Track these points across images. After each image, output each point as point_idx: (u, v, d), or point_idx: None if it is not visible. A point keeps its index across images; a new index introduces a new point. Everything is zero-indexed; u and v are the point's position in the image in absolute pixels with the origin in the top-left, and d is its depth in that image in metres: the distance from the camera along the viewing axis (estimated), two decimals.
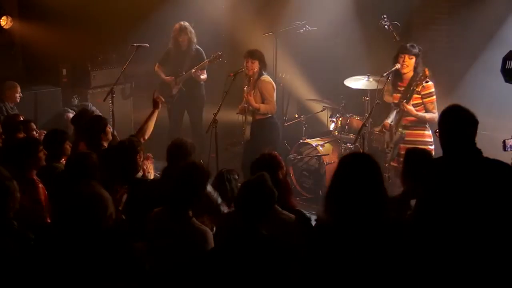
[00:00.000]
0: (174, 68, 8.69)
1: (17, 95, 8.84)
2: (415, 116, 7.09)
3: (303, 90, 9.62)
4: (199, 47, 8.78)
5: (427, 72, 6.96)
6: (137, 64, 8.84)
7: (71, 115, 8.76)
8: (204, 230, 4.32)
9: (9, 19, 10.10)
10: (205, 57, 8.71)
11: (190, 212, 4.37)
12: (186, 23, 8.72)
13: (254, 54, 7.76)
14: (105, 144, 6.32)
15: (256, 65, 7.72)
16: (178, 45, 8.70)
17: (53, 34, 10.13)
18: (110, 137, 6.43)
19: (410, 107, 7.06)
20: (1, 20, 10.02)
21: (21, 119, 7.23)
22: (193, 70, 8.53)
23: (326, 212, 3.52)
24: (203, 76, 8.76)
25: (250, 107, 7.78)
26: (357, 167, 3.49)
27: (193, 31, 8.73)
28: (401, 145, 7.13)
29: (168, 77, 8.82)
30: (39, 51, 10.20)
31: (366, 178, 3.44)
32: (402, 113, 7.17)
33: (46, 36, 10.18)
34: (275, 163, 4.88)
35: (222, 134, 7.48)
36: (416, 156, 5.02)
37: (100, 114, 7.55)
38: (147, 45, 8.49)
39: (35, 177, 5.46)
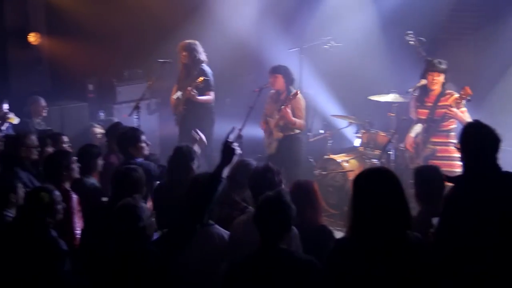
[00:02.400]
0: (179, 87, 8.70)
1: (42, 109, 8.98)
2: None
3: (328, 105, 9.66)
4: (204, 68, 8.52)
5: (468, 91, 6.84)
6: (163, 79, 8.91)
7: (97, 129, 8.87)
8: (224, 235, 4.39)
9: (38, 35, 10.31)
10: (209, 78, 8.49)
11: (210, 220, 4.45)
12: (190, 41, 8.57)
13: (277, 69, 7.83)
14: (138, 154, 6.36)
15: (279, 80, 7.77)
16: (182, 63, 8.64)
17: (80, 50, 10.32)
18: (145, 150, 6.41)
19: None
20: (29, 36, 10.22)
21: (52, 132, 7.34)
22: (188, 89, 8.37)
23: (347, 228, 3.56)
24: (203, 97, 8.46)
25: (281, 122, 7.78)
26: (374, 182, 3.49)
27: (199, 49, 8.52)
28: (430, 162, 7.11)
29: (172, 97, 8.79)
30: (66, 66, 10.39)
31: (383, 193, 3.44)
32: (432, 130, 7.16)
33: (73, 52, 10.37)
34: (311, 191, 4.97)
35: (247, 149, 7.53)
36: (426, 174, 5.00)
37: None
38: (171, 60, 8.55)
39: (68, 188, 5.59)
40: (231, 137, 3.92)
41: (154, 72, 8.59)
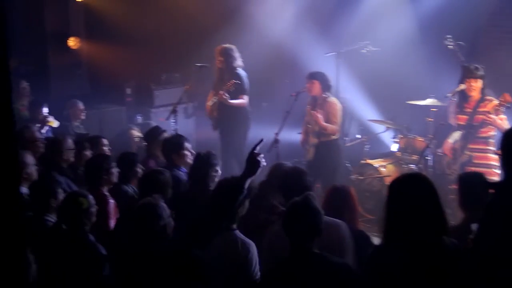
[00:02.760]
0: (215, 92, 8.69)
1: (80, 112, 9.10)
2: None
3: (365, 110, 9.61)
4: (238, 72, 8.49)
5: (508, 98, 6.76)
6: (200, 83, 8.97)
7: (135, 132, 8.95)
8: (248, 242, 4.41)
9: (77, 39, 10.47)
10: (243, 82, 8.46)
11: (234, 225, 4.48)
12: (227, 45, 8.56)
13: (314, 75, 7.80)
14: (181, 162, 6.36)
15: (316, 86, 7.75)
16: (218, 68, 8.62)
17: (118, 54, 10.46)
18: (188, 159, 6.36)
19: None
20: (69, 41, 10.37)
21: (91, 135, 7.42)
22: (220, 93, 8.35)
23: (383, 234, 3.55)
24: (236, 101, 8.42)
25: (316, 128, 7.78)
26: (409, 188, 3.48)
27: (235, 54, 8.50)
28: (468, 168, 7.03)
29: (208, 103, 8.79)
30: (105, 70, 10.54)
31: (418, 199, 3.42)
32: (470, 136, 7.08)
33: (112, 56, 10.51)
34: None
35: (284, 154, 7.55)
36: (469, 180, 4.93)
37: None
38: (208, 64, 8.59)
39: (106, 193, 5.64)
40: (258, 148, 3.91)
41: (191, 76, 8.65)
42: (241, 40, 9.13)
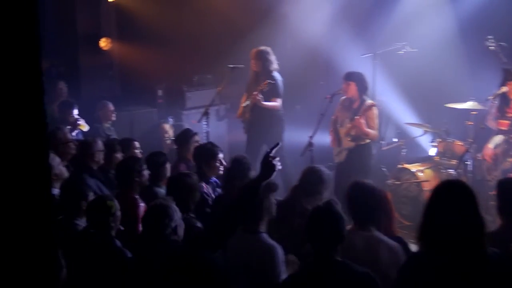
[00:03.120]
0: (248, 95, 8.69)
1: (111, 114, 9.17)
2: None
3: (402, 113, 9.53)
4: (275, 75, 8.46)
5: None
6: (233, 85, 8.98)
7: (167, 126, 8.99)
8: (272, 245, 4.40)
9: (109, 40, 10.56)
10: (277, 85, 8.43)
11: (262, 227, 4.47)
12: (263, 48, 8.52)
13: (350, 76, 7.73)
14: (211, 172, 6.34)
15: (352, 88, 7.69)
16: (253, 71, 8.63)
17: (150, 55, 10.53)
18: (218, 170, 6.33)
19: None
20: (101, 42, 10.47)
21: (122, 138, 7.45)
22: (253, 94, 8.32)
23: (420, 242, 3.53)
24: (269, 103, 8.40)
25: (353, 132, 7.72)
26: (449, 196, 3.46)
27: (270, 57, 8.48)
28: (510, 175, 6.92)
29: (241, 105, 8.79)
30: (136, 72, 10.60)
31: (457, 207, 3.41)
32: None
33: (143, 57, 10.58)
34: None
35: (318, 157, 7.50)
36: (509, 186, 4.84)
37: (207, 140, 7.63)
38: (242, 66, 8.60)
39: (136, 196, 5.66)
40: (273, 152, 3.90)
41: (224, 77, 8.66)
42: (275, 41, 9.13)
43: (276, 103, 8.50)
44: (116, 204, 4.75)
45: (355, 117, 7.59)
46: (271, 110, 8.47)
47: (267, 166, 3.87)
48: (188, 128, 7.83)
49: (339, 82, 7.88)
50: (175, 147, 7.51)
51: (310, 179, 5.37)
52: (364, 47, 9.27)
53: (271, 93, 8.40)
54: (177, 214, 4.28)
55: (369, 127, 7.65)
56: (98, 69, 10.79)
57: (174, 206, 4.33)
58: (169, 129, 9.13)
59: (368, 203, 4.54)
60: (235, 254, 4.42)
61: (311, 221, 3.87)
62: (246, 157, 5.88)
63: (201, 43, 10.94)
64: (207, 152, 6.36)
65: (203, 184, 6.05)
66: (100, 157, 6.61)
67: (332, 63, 9.85)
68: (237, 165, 5.76)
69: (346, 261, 3.77)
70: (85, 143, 6.77)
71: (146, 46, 10.60)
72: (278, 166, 3.92)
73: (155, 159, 6.19)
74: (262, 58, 8.46)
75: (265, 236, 4.48)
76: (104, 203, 4.72)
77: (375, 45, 9.19)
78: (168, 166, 6.25)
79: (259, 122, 8.52)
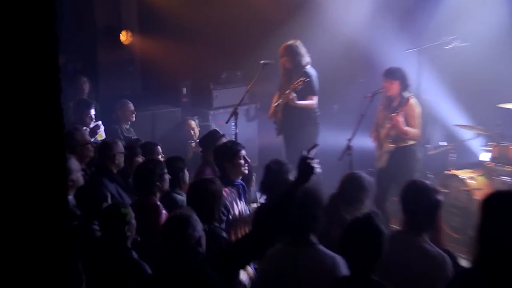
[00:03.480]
0: (281, 94, 8.63)
1: (131, 114, 9.22)
2: None
3: (451, 114, 9.45)
4: (307, 70, 8.43)
5: None
6: (264, 82, 8.97)
7: (193, 122, 9.01)
8: (331, 256, 4.39)
9: (129, 34, 10.60)
10: (311, 81, 8.39)
11: (314, 238, 4.47)
12: (292, 42, 8.50)
13: (394, 74, 7.72)
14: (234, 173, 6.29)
15: (396, 86, 7.69)
16: (284, 68, 8.61)
17: (173, 50, 10.56)
18: (243, 168, 6.30)
19: None
20: (121, 35, 10.50)
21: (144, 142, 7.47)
22: (286, 93, 8.30)
23: (472, 257, 3.52)
24: (304, 102, 8.37)
25: (392, 132, 7.71)
26: (504, 206, 3.45)
27: (301, 51, 8.45)
28: None
29: (273, 105, 8.76)
30: (159, 68, 10.64)
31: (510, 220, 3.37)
32: None
33: (167, 52, 10.62)
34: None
35: (358, 162, 7.50)
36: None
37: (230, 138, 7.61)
38: (273, 61, 8.57)
39: (158, 203, 5.69)
40: (312, 154, 3.88)
41: (254, 74, 8.65)
42: (310, 34, 9.10)
43: (312, 101, 8.47)
44: (131, 212, 4.77)
45: (392, 114, 7.58)
46: (305, 109, 8.45)
47: (305, 169, 3.86)
48: (215, 129, 7.83)
49: (380, 79, 7.86)
50: (200, 150, 7.52)
51: (350, 187, 5.35)
52: (408, 42, 9.22)
53: (306, 91, 8.37)
54: (200, 224, 4.26)
55: (410, 125, 7.64)
56: (118, 65, 10.83)
57: (195, 217, 4.32)
58: (195, 126, 9.13)
59: (425, 205, 4.55)
60: (296, 269, 4.39)
61: (348, 234, 3.87)
62: (282, 161, 5.83)
63: (229, 37, 10.95)
64: (228, 150, 6.32)
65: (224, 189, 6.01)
66: (121, 159, 6.65)
67: (372, 58, 9.77)
68: (273, 172, 5.73)
69: (383, 282, 3.75)
70: (105, 145, 6.81)
71: (169, 40, 10.63)
72: (318, 168, 3.90)
73: (173, 164, 6.21)
74: (292, 53, 8.45)
75: (322, 247, 4.47)
76: (117, 211, 4.74)
77: (420, 39, 9.15)
78: (186, 171, 6.27)
79: (291, 123, 8.52)
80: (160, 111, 10.60)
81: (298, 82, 8.21)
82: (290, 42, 8.53)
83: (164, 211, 5.57)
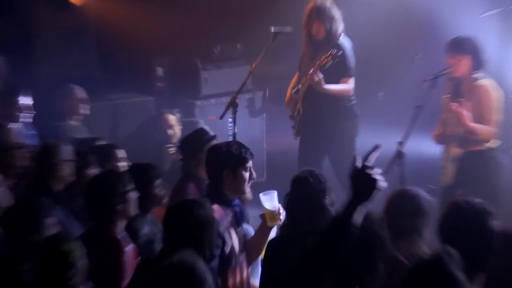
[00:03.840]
0: (301, 75, 8.67)
1: (81, 105, 9.25)
2: None
3: None
4: (342, 42, 8.51)
5: None
6: (276, 61, 8.91)
7: (172, 117, 9.02)
8: None
9: None
10: (346, 56, 8.44)
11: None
12: (324, 2, 8.55)
13: (462, 46, 7.75)
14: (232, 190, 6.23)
15: (466, 63, 7.72)
16: (310, 38, 8.65)
17: (144, 14, 10.57)
18: (245, 186, 6.25)
19: None
20: None
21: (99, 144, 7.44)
22: (310, 73, 8.26)
23: None
24: (336, 87, 8.43)
25: (458, 130, 7.71)
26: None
27: (335, 15, 8.52)
28: None
29: (289, 91, 8.79)
30: (124, 39, 10.61)
31: None
32: None
33: (135, 16, 10.60)
34: None
35: (413, 175, 7.44)
36: None
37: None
38: (290, 29, 8.47)
39: (118, 237, 5.64)
40: (371, 160, 3.77)
41: (261, 48, 8.59)
42: None
43: (347, 85, 8.51)
44: (77, 249, 4.74)
45: (452, 104, 7.62)
46: (338, 97, 8.50)
47: (363, 183, 3.76)
48: (201, 128, 7.88)
49: (444, 55, 7.86)
50: (180, 158, 7.56)
51: (401, 210, 5.32)
52: (484, 1, 9.26)
53: (338, 70, 8.38)
54: (209, 277, 4.19)
55: (483, 119, 7.67)
56: (64, 35, 10.80)
57: (202, 265, 4.23)
58: (175, 123, 9.13)
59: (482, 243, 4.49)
60: None
61: (410, 284, 3.81)
62: (316, 171, 5.71)
63: None
64: (232, 155, 6.21)
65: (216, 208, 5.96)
66: (67, 171, 6.65)
67: (433, 26, 9.87)
68: (303, 188, 5.61)
69: None
70: (44, 150, 6.77)
71: (139, 0, 10.61)
72: (382, 182, 3.76)
73: (141, 174, 6.21)
74: (326, 17, 8.48)
75: None
76: (57, 248, 4.71)
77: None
78: (162, 186, 6.35)
79: (317, 116, 8.55)
80: (125, 101, 10.63)
81: (327, 57, 8.15)
82: (319, 1, 8.53)
83: (128, 248, 5.58)
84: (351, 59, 8.51)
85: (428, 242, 5.37)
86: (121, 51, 10.79)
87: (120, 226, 5.75)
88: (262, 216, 6.16)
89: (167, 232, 5.24)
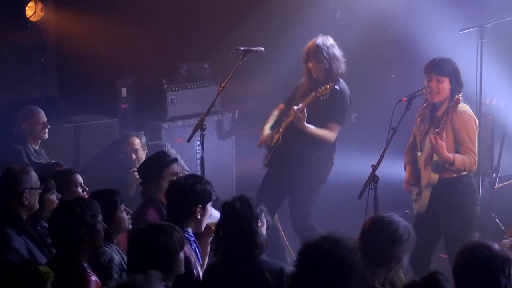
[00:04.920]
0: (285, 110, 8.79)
1: (40, 128, 9.21)
2: None
3: None
4: (341, 86, 8.57)
5: None
6: (245, 81, 8.97)
7: (137, 140, 9.05)
8: None
9: (39, 6, 10.55)
10: (342, 99, 8.57)
11: None
12: (326, 39, 8.64)
13: (441, 67, 7.73)
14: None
15: (445, 86, 7.72)
16: (310, 74, 8.70)
17: (108, 31, 10.57)
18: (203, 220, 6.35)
19: None
20: (26, 8, 10.46)
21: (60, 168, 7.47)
22: (294, 109, 8.36)
23: None
24: (319, 130, 8.51)
25: (436, 157, 7.68)
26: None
27: (337, 54, 8.62)
28: None
29: (265, 134, 8.87)
30: (85, 58, 10.60)
31: None
32: None
33: (97, 34, 10.60)
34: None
35: (388, 200, 7.52)
36: None
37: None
38: (262, 48, 8.61)
39: (85, 265, 5.63)
40: None
41: (230, 68, 8.66)
42: (316, 8, 9.13)
43: (331, 132, 8.58)
44: (51, 272, 4.76)
45: (431, 136, 7.59)
46: (318, 140, 8.57)
47: None
48: (160, 152, 7.91)
49: (421, 75, 7.90)
50: (140, 182, 7.61)
51: (377, 238, 5.35)
52: (464, 18, 9.33)
53: (328, 113, 8.50)
54: None
55: (463, 147, 7.67)
56: (22, 53, 10.80)
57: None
58: (140, 147, 9.15)
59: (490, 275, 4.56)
60: None
61: None
62: (247, 196, 5.84)
63: (193, 13, 10.97)
64: (206, 192, 6.34)
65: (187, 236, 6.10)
66: (32, 199, 6.51)
67: (410, 43, 9.91)
68: (230, 214, 5.75)
69: None
70: (8, 175, 6.64)
71: (101, 15, 10.63)
72: None
73: (100, 200, 6.10)
74: (326, 57, 8.56)
75: None
76: (34, 271, 4.74)
77: (481, 14, 9.19)
78: (124, 212, 6.34)
79: (289, 152, 8.66)
80: (87, 123, 10.58)
81: (324, 90, 8.28)
82: (320, 39, 8.61)
83: (93, 278, 5.56)
84: (346, 107, 8.64)
85: (405, 269, 5.49)
86: (83, 71, 10.76)
87: (85, 256, 5.70)
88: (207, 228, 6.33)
89: (132, 257, 5.28)
